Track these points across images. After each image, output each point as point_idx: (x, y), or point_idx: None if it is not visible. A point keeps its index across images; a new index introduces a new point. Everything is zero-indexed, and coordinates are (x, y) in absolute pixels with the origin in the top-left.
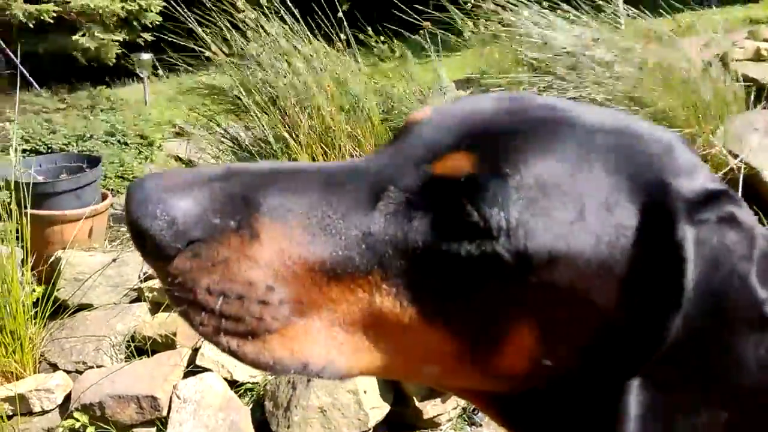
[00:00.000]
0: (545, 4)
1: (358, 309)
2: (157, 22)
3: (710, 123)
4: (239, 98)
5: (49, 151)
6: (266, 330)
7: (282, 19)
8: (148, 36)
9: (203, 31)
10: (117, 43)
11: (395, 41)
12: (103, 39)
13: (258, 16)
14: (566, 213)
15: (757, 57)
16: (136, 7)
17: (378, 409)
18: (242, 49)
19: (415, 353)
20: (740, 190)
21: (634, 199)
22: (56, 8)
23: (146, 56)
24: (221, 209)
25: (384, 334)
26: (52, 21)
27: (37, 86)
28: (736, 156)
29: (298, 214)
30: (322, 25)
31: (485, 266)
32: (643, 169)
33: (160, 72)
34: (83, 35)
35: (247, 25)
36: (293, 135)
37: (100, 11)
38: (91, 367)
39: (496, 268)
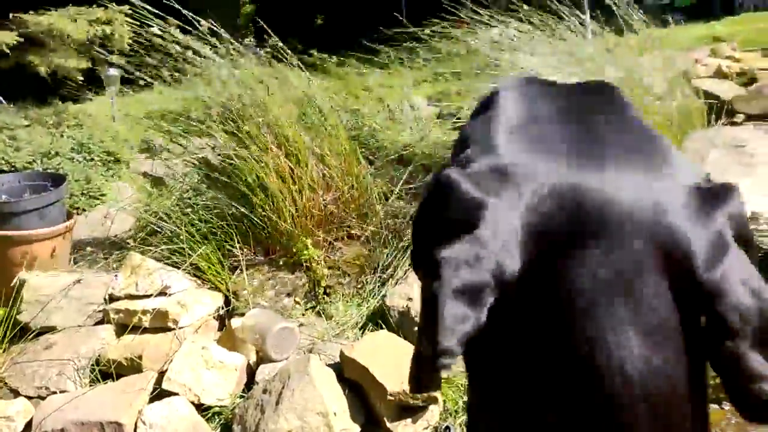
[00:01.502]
0: (513, 24)
1: None
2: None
3: (673, 139)
4: (202, 119)
5: (13, 169)
6: None
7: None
8: (114, 58)
9: (169, 50)
10: (84, 66)
11: (363, 63)
12: (66, 65)
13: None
14: None
15: (719, 74)
16: (104, 32)
17: (348, 430)
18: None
19: None
20: None
21: None
22: (17, 38)
23: (114, 72)
24: None
25: None
26: (15, 44)
27: (3, 100)
28: None
29: None
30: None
31: None
32: None
33: (130, 86)
34: (47, 59)
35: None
36: (256, 154)
37: (65, 36)
38: (54, 393)
39: None
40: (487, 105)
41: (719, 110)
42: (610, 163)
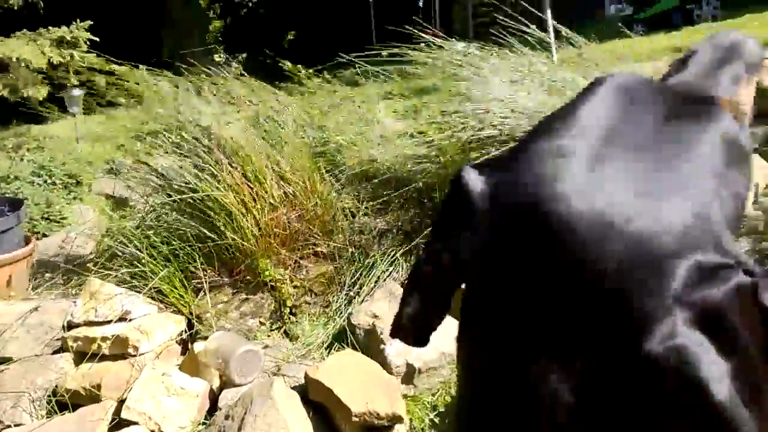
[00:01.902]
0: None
1: None
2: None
3: None
4: (160, 139)
5: None
6: None
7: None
8: (75, 81)
9: (128, 71)
10: (45, 85)
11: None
12: (28, 92)
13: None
14: None
15: None
16: (67, 58)
17: None
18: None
19: None
20: None
21: None
22: None
23: (77, 92)
24: None
25: None
26: None
27: None
28: None
29: None
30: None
31: None
32: None
33: (94, 106)
34: (8, 84)
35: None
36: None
37: (26, 63)
38: (9, 426)
39: None
40: (580, 94)
41: None
42: (625, 211)
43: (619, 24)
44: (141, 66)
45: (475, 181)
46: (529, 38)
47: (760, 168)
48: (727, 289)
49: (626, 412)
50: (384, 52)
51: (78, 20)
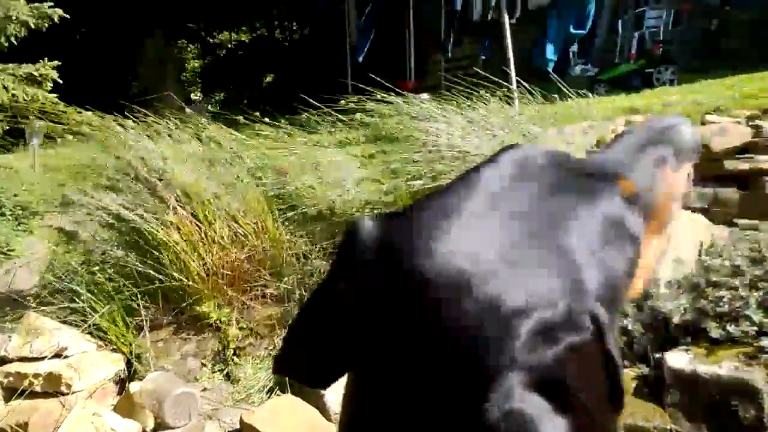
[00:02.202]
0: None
1: None
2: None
3: None
4: (110, 176)
5: None
6: None
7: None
8: (37, 114)
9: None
10: (6, 120)
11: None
12: None
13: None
14: None
15: None
16: (29, 95)
17: None
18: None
19: None
20: None
21: None
22: None
23: (39, 123)
24: None
25: None
26: None
27: None
28: None
29: None
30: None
31: None
32: None
33: (52, 141)
34: None
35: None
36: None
37: None
38: None
39: None
40: (485, 159)
41: None
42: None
43: (584, 82)
44: (99, 110)
45: (368, 228)
46: (497, 92)
47: (706, 227)
48: (558, 350)
49: None
50: (348, 101)
51: (46, 59)
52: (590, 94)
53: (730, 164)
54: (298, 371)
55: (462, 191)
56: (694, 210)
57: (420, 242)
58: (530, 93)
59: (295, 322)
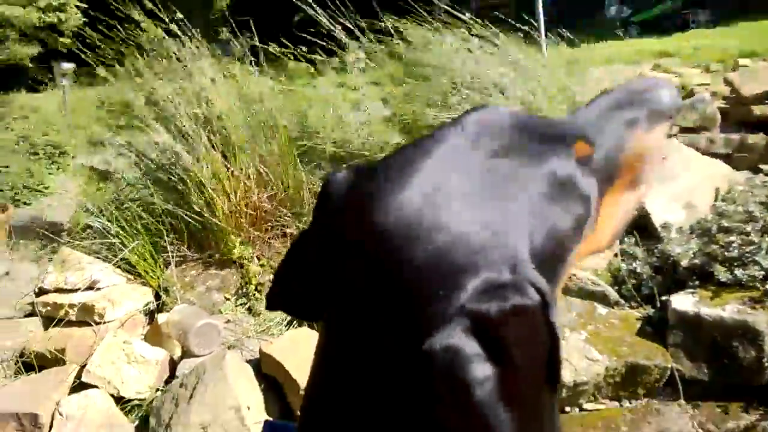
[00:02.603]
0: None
1: None
2: (78, 29)
3: None
4: (140, 113)
5: None
6: None
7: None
8: (67, 41)
9: (116, 45)
10: (35, 52)
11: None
12: (17, 51)
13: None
14: None
15: None
16: (55, 19)
17: (261, 424)
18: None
19: None
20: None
21: None
22: None
23: (67, 65)
24: None
25: None
26: None
27: None
28: None
29: None
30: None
31: None
32: None
33: (83, 79)
34: None
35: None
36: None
37: (15, 21)
38: None
39: None
40: (452, 119)
41: None
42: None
43: (617, 24)
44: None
45: (340, 179)
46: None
47: (724, 175)
48: (504, 307)
49: (399, 404)
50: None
51: None
52: (623, 36)
53: (758, 109)
54: (289, 305)
55: (426, 147)
56: (717, 156)
57: (380, 194)
58: (560, 36)
59: (283, 261)
